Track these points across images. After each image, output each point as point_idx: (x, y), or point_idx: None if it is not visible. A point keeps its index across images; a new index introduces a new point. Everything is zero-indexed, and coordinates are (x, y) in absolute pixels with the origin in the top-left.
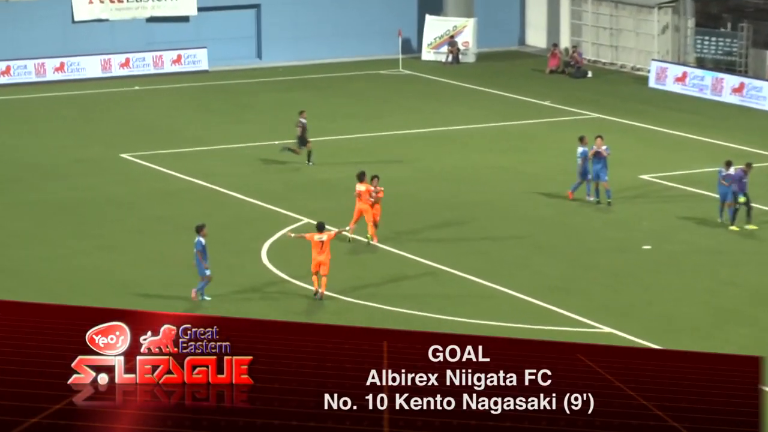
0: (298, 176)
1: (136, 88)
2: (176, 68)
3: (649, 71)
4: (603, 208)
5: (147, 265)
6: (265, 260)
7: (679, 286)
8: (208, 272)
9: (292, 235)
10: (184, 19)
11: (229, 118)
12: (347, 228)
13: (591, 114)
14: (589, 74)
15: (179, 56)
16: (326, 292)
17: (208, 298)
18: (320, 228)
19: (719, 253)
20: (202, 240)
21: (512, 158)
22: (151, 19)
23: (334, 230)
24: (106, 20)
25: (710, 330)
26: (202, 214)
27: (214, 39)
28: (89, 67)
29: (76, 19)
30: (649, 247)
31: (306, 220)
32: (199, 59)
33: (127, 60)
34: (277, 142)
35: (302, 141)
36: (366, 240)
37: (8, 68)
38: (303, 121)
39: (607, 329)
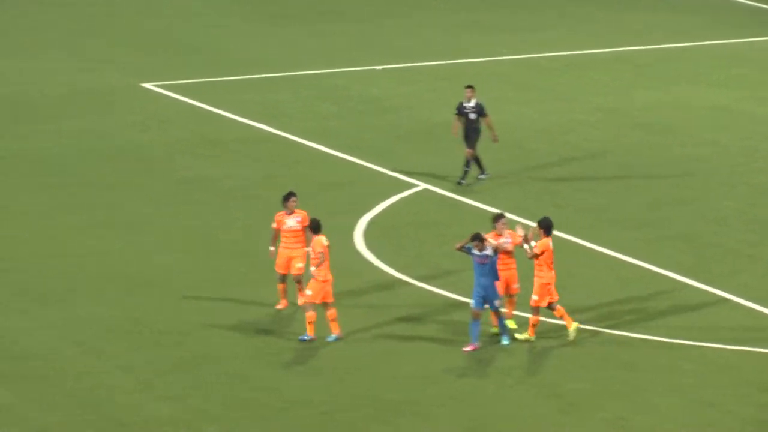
0: (407, 119)
1: None
2: None
3: None
4: None
5: (179, 252)
6: (361, 246)
7: None
8: (498, 303)
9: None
10: None
11: (306, 30)
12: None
13: None
14: None
15: None
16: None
17: (505, 343)
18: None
19: None
20: (488, 249)
21: (733, 94)
22: None
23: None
24: None
25: None
26: (267, 176)
27: None
28: None
29: None
30: None
31: (423, 185)
32: None
33: None
34: (379, 67)
35: None
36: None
37: None
38: None
39: None
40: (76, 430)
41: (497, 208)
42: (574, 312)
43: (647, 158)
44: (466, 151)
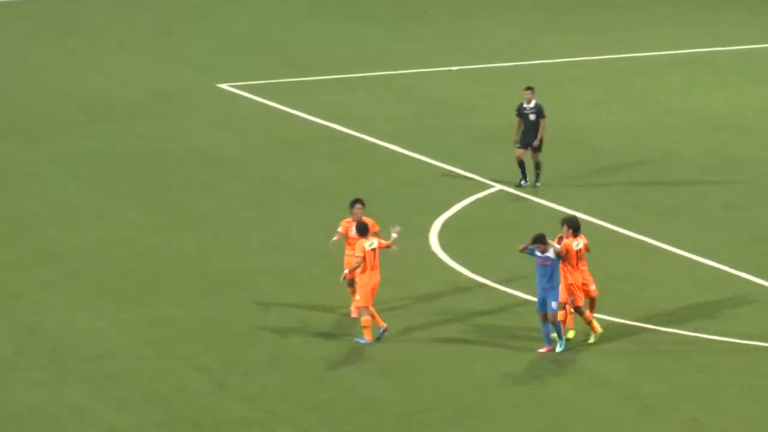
0: (484, 120)
1: None
2: None
3: None
4: None
5: (254, 253)
6: (435, 247)
7: None
8: (554, 305)
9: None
10: None
11: (383, 32)
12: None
13: None
14: None
15: None
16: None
17: (559, 350)
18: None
19: None
20: (551, 251)
21: None
22: None
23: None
24: None
25: None
26: (343, 176)
27: None
28: None
29: None
30: None
31: (498, 186)
32: None
33: None
34: (455, 68)
35: None
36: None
37: None
38: None
39: None
40: (150, 431)
41: (572, 209)
42: (651, 315)
43: (724, 159)
44: (533, 155)
